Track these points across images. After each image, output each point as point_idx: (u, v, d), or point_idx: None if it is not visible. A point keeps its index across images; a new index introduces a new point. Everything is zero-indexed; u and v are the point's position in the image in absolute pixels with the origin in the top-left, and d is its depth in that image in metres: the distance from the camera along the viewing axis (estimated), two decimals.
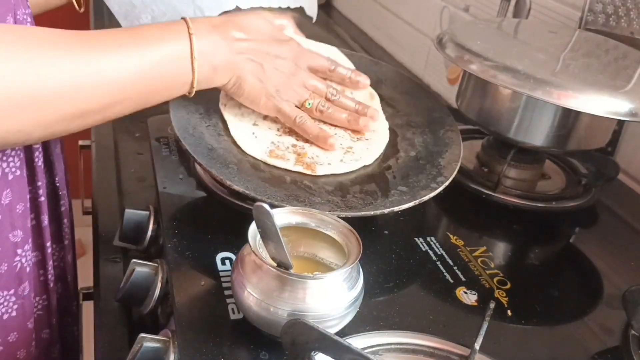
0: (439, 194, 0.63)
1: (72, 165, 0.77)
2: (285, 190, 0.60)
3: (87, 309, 0.73)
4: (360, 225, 0.52)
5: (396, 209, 0.59)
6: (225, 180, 0.58)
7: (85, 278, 0.80)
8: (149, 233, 0.66)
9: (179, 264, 0.56)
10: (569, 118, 0.73)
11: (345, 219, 0.52)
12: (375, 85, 0.77)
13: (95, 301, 0.66)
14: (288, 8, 0.90)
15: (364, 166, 0.67)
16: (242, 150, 0.65)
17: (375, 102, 0.76)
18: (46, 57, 0.47)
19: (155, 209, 0.67)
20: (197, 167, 0.70)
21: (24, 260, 0.60)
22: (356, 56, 0.82)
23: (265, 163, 0.64)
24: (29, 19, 0.57)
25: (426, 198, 0.61)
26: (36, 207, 0.62)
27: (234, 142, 0.66)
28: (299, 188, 0.62)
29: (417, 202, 0.60)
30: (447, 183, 0.64)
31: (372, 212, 0.59)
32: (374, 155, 0.69)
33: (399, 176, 0.67)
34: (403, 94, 0.81)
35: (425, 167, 0.68)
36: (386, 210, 0.59)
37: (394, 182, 0.65)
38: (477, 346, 0.48)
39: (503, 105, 0.76)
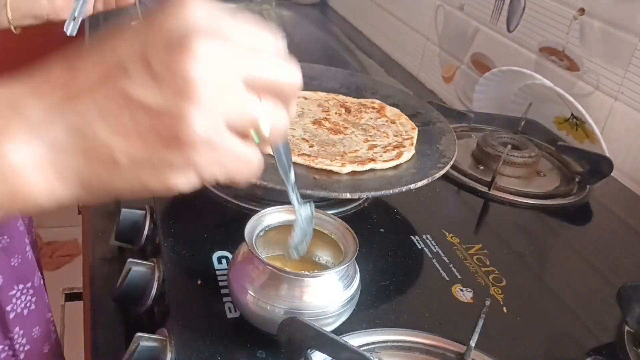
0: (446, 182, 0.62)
1: None
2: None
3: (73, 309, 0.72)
4: (356, 223, 0.52)
5: (412, 187, 0.62)
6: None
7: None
8: (145, 232, 0.65)
9: (175, 263, 0.56)
10: None
11: (347, 219, 0.52)
12: (355, 94, 0.83)
13: (90, 300, 0.66)
14: None
15: None
16: None
17: None
18: None
19: (151, 207, 0.67)
20: None
21: None
22: (332, 70, 0.87)
23: None
24: None
25: (437, 175, 0.64)
26: None
27: None
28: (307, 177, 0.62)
29: (429, 179, 0.63)
30: (452, 162, 0.67)
31: (390, 191, 0.61)
32: None
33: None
34: (384, 97, 0.84)
35: (427, 153, 0.70)
36: (404, 189, 0.62)
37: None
38: (472, 343, 0.49)
39: None
